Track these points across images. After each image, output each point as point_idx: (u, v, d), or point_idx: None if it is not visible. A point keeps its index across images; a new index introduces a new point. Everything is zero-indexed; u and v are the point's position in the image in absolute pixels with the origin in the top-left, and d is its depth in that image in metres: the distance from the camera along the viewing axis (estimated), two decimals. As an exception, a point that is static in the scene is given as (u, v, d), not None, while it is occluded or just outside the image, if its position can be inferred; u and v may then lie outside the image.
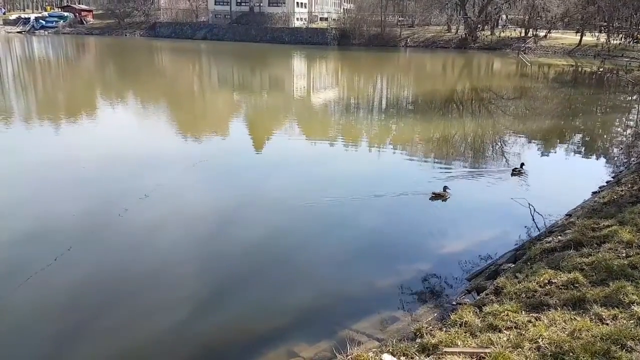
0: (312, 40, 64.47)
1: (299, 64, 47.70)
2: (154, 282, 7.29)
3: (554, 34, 58.61)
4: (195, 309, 6.61)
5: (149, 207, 9.92)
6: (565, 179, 12.75)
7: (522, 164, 12.75)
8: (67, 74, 36.38)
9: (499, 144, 17.00)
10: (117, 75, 36.86)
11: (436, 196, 10.67)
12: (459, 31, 64.51)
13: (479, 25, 61.82)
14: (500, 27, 63.27)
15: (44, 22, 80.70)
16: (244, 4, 72.53)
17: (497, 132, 18.92)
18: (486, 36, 61.40)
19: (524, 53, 53.97)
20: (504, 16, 64.52)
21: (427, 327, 5.14)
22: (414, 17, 72.04)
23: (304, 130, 18.55)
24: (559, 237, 7.29)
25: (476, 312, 5.24)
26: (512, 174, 12.49)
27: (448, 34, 65.16)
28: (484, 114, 22.84)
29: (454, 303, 6.27)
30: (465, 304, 5.84)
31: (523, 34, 59.66)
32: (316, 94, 29.25)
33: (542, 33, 58.49)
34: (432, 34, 65.05)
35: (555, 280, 5.53)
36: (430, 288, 7.10)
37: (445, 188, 10.87)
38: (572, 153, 15.91)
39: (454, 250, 8.31)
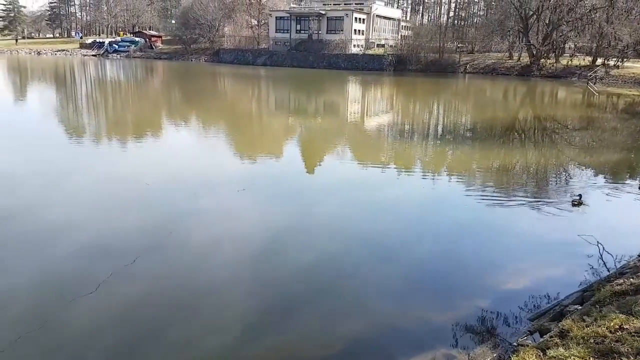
0: (368, 66, 65.08)
1: (353, 89, 48.14)
2: (206, 303, 7.40)
3: (624, 63, 55.79)
4: (244, 332, 6.65)
5: (204, 228, 10.22)
6: (636, 216, 11.89)
7: None
8: (135, 95, 38.72)
9: (564, 175, 16.18)
10: (181, 97, 38.78)
11: (577, 203, 11.56)
12: (521, 58, 62.89)
13: (543, 53, 59.91)
14: (569, 55, 60.79)
15: (116, 47, 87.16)
16: (303, 31, 74.76)
17: (561, 163, 18.05)
18: (551, 64, 59.34)
19: (592, 82, 51.62)
20: (570, 44, 62.20)
21: (484, 368, 4.88)
22: (474, 43, 70.95)
23: (357, 155, 18.56)
24: (631, 279, 6.78)
25: (539, 355, 4.94)
26: None
27: (510, 60, 63.63)
28: (547, 144, 21.92)
29: (514, 344, 5.91)
30: (527, 345, 5.50)
31: (591, 62, 57.21)
32: (370, 119, 29.30)
33: (612, 62, 55.76)
34: (493, 61, 63.71)
35: (628, 327, 5.13)
36: (488, 326, 6.75)
37: (580, 196, 11.73)
38: (645, 188, 14.83)
39: (515, 287, 7.90)
